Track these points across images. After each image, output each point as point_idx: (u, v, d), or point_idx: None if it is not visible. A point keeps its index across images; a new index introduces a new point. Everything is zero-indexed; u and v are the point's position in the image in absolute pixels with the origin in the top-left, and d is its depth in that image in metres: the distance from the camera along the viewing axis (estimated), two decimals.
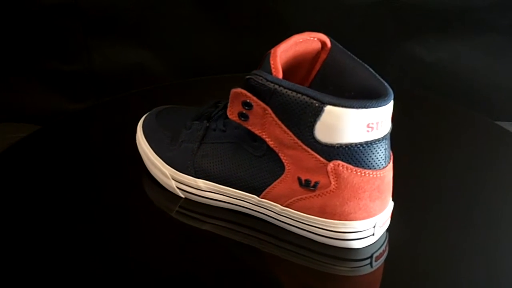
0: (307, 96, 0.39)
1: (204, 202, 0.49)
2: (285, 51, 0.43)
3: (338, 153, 0.40)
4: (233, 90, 0.43)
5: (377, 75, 0.42)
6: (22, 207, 0.50)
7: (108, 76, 1.00)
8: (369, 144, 0.40)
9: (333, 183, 0.42)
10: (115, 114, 0.65)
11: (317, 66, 0.45)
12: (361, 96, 0.40)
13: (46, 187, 0.53)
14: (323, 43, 0.45)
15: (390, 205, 0.45)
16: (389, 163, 0.43)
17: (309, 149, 0.41)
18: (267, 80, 0.41)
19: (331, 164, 0.41)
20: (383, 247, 0.45)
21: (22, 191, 0.52)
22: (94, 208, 0.50)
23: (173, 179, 0.50)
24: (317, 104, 0.39)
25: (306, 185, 0.43)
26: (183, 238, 0.47)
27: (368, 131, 0.39)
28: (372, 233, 0.44)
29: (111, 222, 0.49)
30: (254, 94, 0.42)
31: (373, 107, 0.39)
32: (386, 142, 0.41)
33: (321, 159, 0.41)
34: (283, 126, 0.41)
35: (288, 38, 0.43)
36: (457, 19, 0.94)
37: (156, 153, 0.51)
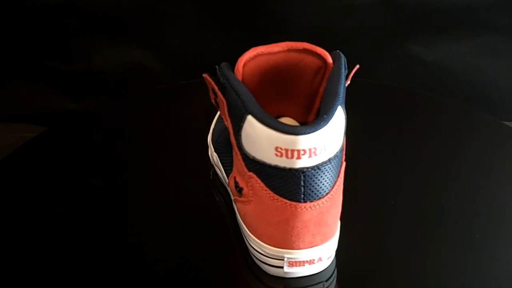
0: (240, 100, 0.38)
1: (217, 173, 0.52)
2: (274, 54, 0.42)
3: (254, 166, 0.39)
4: (204, 74, 0.43)
5: (337, 107, 0.38)
6: (33, 209, 0.50)
7: (108, 76, 1.00)
8: (278, 169, 0.37)
9: (250, 194, 0.40)
10: (120, 116, 0.65)
11: (324, 83, 0.43)
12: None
13: (55, 188, 0.53)
14: (324, 59, 0.42)
15: (315, 250, 0.40)
16: (310, 201, 0.38)
17: (238, 153, 0.40)
18: (223, 74, 0.41)
19: (248, 174, 0.39)
20: None
21: (30, 193, 0.52)
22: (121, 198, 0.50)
23: (209, 146, 0.53)
24: (243, 110, 0.38)
25: (236, 187, 0.42)
26: (202, 202, 0.50)
27: (276, 154, 0.37)
28: (280, 266, 0.41)
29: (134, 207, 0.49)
30: (217, 84, 0.42)
31: (281, 131, 0.36)
32: (304, 177, 0.37)
33: (244, 166, 0.40)
34: (230, 123, 0.41)
35: (281, 43, 0.42)
36: (457, 19, 0.94)
37: (215, 122, 0.54)
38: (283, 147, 0.36)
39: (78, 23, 0.95)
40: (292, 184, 0.37)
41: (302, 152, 0.36)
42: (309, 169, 0.37)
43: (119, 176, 0.54)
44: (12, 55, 0.99)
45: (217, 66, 0.41)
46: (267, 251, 0.41)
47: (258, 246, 0.41)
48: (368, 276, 0.43)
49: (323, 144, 0.37)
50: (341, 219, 0.42)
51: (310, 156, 0.36)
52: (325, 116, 0.37)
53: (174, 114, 0.64)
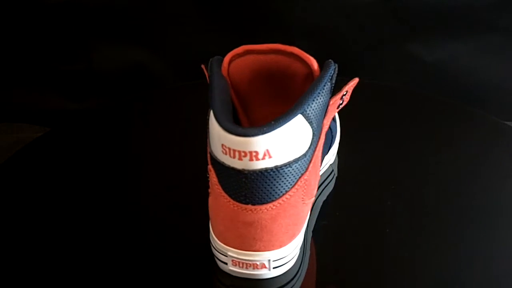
0: (211, 95, 0.39)
1: None
2: (263, 54, 0.42)
3: (212, 159, 0.39)
4: (202, 66, 0.43)
5: (294, 116, 0.37)
6: (35, 210, 0.51)
7: (108, 76, 1.00)
8: (224, 166, 0.37)
9: (210, 186, 0.40)
10: (121, 116, 0.65)
11: None
12: None
13: (56, 189, 0.53)
14: (309, 67, 0.42)
15: (258, 255, 0.40)
16: (252, 204, 0.38)
17: (207, 145, 0.40)
18: (210, 66, 0.41)
19: (209, 167, 0.40)
20: None
21: (32, 194, 0.52)
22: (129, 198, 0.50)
23: None
24: (209, 105, 0.38)
25: (207, 176, 0.42)
26: (201, 202, 0.47)
27: (222, 152, 0.37)
28: (225, 262, 0.41)
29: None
30: (209, 76, 0.42)
31: (225, 129, 0.36)
32: (246, 179, 0.37)
33: (209, 158, 0.40)
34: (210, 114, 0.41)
35: (271, 44, 0.43)
36: (457, 19, 0.94)
37: None
38: (227, 146, 0.36)
39: (78, 23, 0.95)
40: (234, 184, 0.37)
41: (243, 154, 0.36)
42: (251, 172, 0.36)
43: (119, 176, 0.55)
44: (12, 55, 0.99)
45: (210, 59, 0.42)
46: (216, 245, 0.41)
47: (212, 238, 0.42)
48: None
49: (266, 150, 0.36)
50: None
51: (251, 159, 0.36)
52: (272, 122, 0.36)
53: (175, 114, 0.64)
